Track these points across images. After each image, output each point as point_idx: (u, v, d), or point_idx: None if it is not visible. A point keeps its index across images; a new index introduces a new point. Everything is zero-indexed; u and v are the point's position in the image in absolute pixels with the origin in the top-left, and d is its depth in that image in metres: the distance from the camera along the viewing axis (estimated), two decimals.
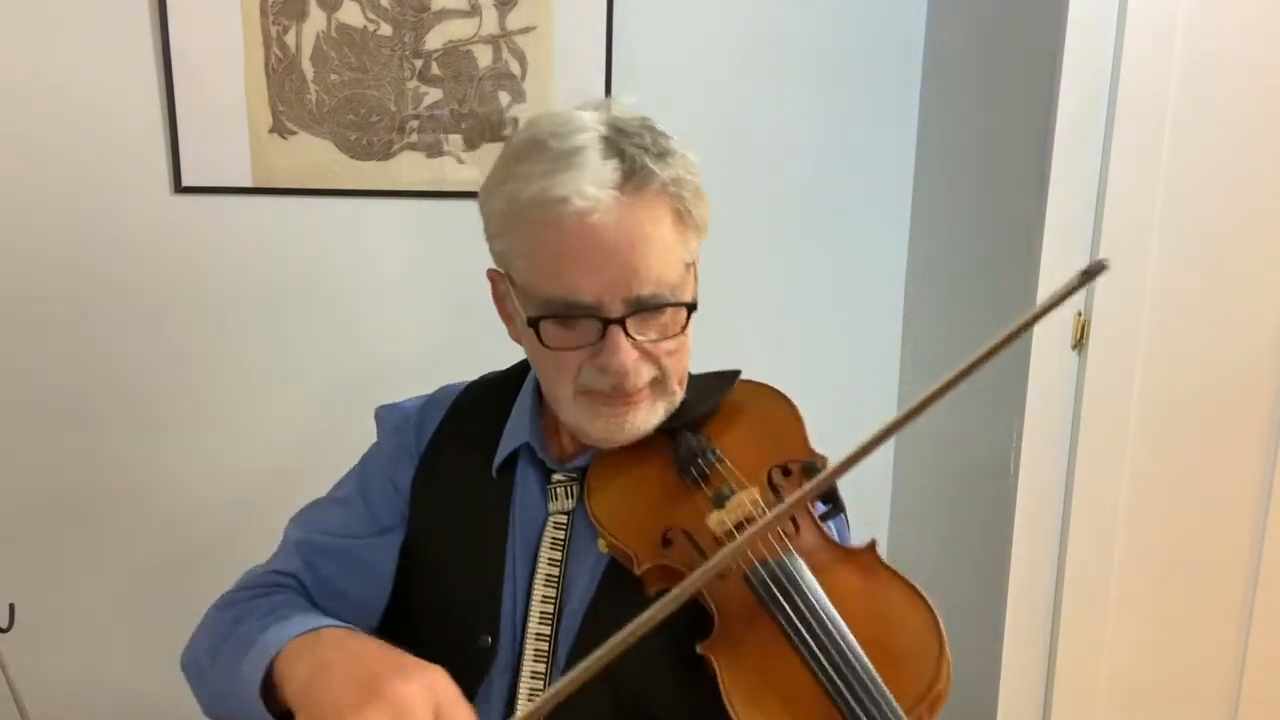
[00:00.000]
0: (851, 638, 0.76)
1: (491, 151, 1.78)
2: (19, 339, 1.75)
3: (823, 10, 1.86)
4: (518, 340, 0.94)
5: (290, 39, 1.70)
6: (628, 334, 0.84)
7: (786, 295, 1.98)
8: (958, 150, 1.86)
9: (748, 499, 0.84)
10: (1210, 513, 1.68)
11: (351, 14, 1.71)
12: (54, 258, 1.73)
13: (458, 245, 1.81)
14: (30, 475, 1.80)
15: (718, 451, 0.90)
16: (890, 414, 2.23)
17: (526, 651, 0.90)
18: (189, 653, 0.97)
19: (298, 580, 0.99)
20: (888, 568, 0.82)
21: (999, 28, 1.72)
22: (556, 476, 0.95)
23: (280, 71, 1.71)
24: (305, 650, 0.79)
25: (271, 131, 1.73)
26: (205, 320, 1.79)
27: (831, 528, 0.90)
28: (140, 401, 1.81)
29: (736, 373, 0.98)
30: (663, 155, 0.85)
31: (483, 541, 0.95)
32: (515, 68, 1.77)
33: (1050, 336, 1.60)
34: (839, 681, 0.73)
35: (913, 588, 0.79)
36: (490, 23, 1.74)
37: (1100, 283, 1.57)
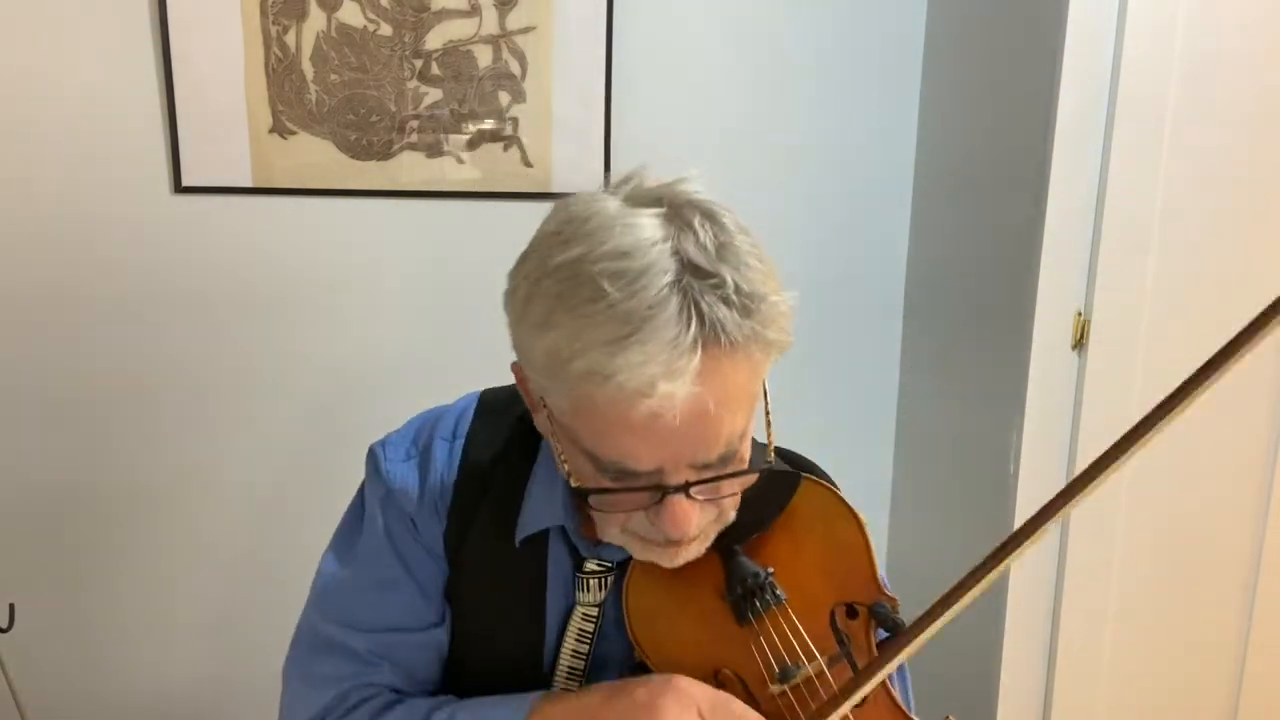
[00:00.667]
0: None
1: (492, 151, 1.78)
2: (19, 339, 1.75)
3: (823, 10, 1.86)
4: (543, 432, 0.81)
5: (290, 39, 1.70)
6: (692, 498, 0.72)
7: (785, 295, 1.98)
8: (958, 150, 1.86)
9: (813, 671, 0.77)
10: (1210, 513, 1.68)
11: (351, 14, 1.71)
12: (54, 258, 1.73)
13: (458, 245, 1.82)
14: (30, 475, 1.80)
15: (779, 591, 0.80)
16: (890, 414, 2.22)
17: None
18: None
19: (390, 689, 0.87)
20: None
21: (999, 28, 1.72)
22: (589, 566, 0.84)
23: (280, 71, 1.71)
24: None
25: (271, 131, 1.73)
26: (205, 320, 1.79)
27: (896, 684, 0.83)
28: (140, 401, 1.81)
29: (798, 477, 0.87)
30: (749, 310, 0.69)
31: (522, 619, 0.86)
32: (515, 68, 1.77)
33: (1050, 336, 1.60)
34: None
35: None
36: (490, 23, 1.74)
37: (1100, 283, 1.57)
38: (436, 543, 0.88)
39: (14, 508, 1.80)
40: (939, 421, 1.95)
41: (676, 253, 0.68)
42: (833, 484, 0.92)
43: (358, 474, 1.06)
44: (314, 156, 1.75)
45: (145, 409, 1.81)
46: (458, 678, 0.90)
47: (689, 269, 0.68)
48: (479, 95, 1.77)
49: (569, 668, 0.84)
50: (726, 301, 0.68)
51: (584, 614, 0.84)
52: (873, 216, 1.97)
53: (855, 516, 0.84)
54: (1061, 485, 1.69)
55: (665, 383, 0.65)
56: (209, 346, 1.81)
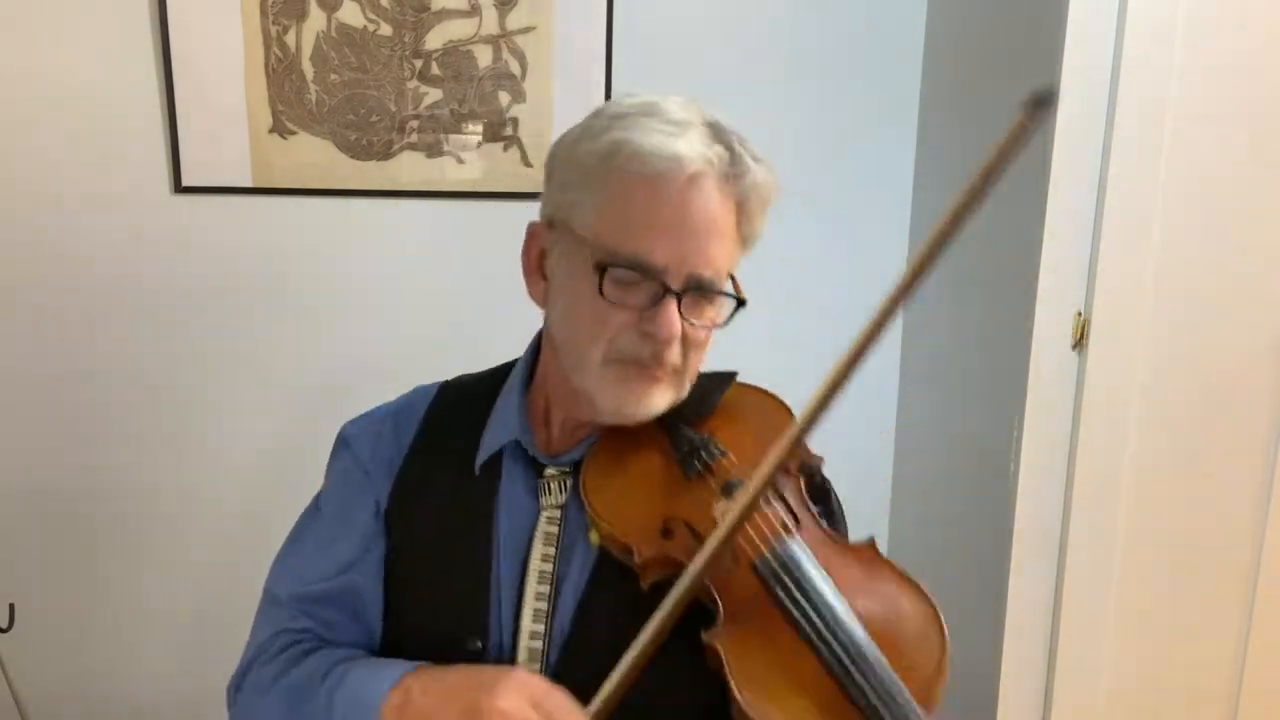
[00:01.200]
0: (859, 624, 0.77)
1: (492, 151, 1.79)
2: (19, 338, 1.75)
3: (823, 10, 1.86)
4: (539, 300, 0.94)
5: (290, 39, 1.70)
6: (680, 309, 0.86)
7: (786, 295, 1.98)
8: (958, 150, 1.86)
9: (745, 477, 0.85)
10: (1210, 513, 1.68)
11: (351, 14, 1.71)
12: (54, 257, 1.73)
13: (458, 245, 1.82)
14: (30, 475, 1.80)
15: (721, 446, 0.91)
16: (890, 414, 2.22)
17: (520, 650, 0.90)
18: None
19: (313, 635, 0.96)
20: (888, 562, 0.84)
21: (999, 28, 1.72)
22: (549, 471, 0.94)
23: (280, 71, 1.71)
24: (402, 713, 0.82)
25: (271, 131, 1.73)
26: (205, 320, 1.79)
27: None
28: (140, 401, 1.81)
29: (733, 375, 0.99)
30: (759, 159, 0.90)
31: (467, 545, 0.94)
32: (515, 68, 1.77)
33: (1050, 336, 1.60)
34: (850, 666, 0.74)
35: (913, 582, 0.82)
36: (490, 23, 1.74)
37: (1100, 283, 1.57)
38: (384, 492, 0.97)
39: (14, 508, 1.80)
40: (939, 421, 1.95)
41: (700, 112, 0.90)
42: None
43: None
44: (314, 156, 1.75)
45: (145, 408, 1.81)
46: (400, 620, 0.97)
47: (709, 124, 0.89)
48: (479, 95, 1.77)
49: (539, 571, 0.91)
50: (743, 145, 0.89)
51: (548, 518, 0.92)
52: (873, 217, 1.97)
53: (784, 405, 0.96)
54: (1062, 485, 1.70)
55: (705, 150, 0.84)
56: (209, 346, 1.81)
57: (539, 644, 0.90)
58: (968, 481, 1.84)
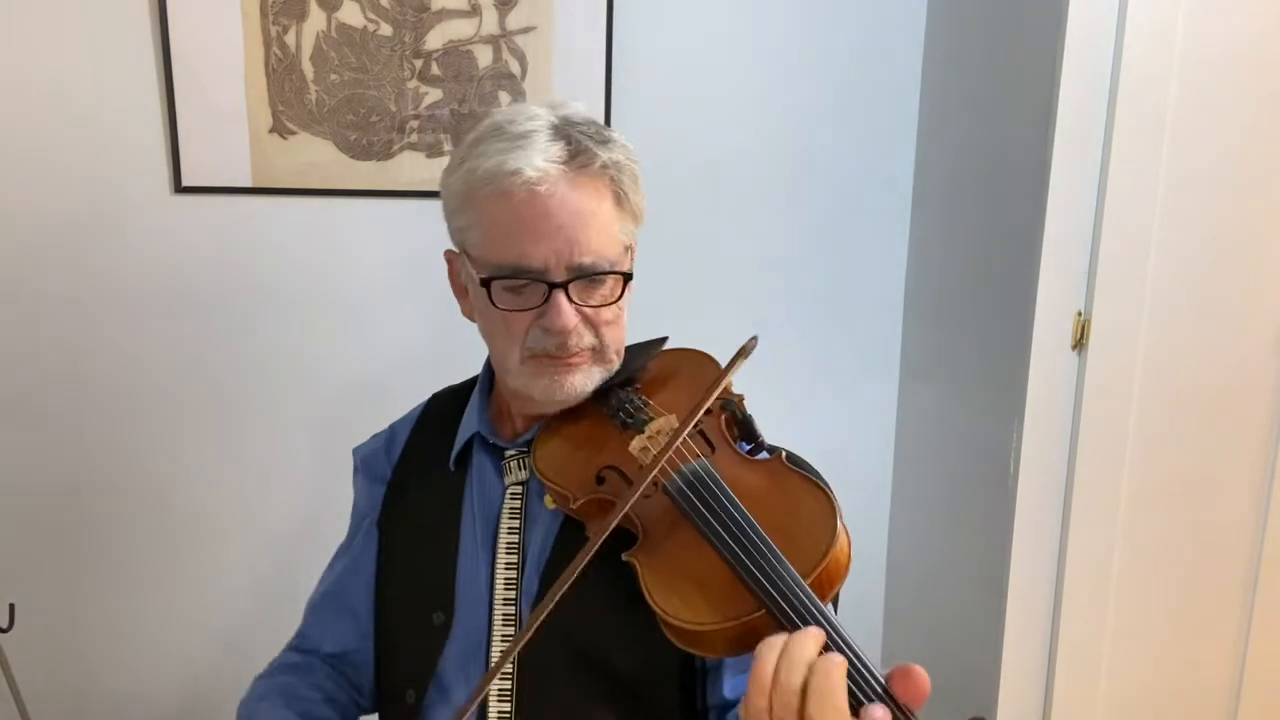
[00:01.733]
0: (752, 520, 0.83)
1: None
2: (19, 338, 1.75)
3: (823, 11, 1.86)
4: (469, 317, 1.04)
5: (290, 39, 1.70)
6: (570, 298, 0.93)
7: (786, 295, 1.98)
8: (958, 151, 1.86)
9: (665, 425, 0.94)
10: (1210, 513, 1.68)
11: (351, 14, 1.71)
12: (54, 257, 1.73)
13: None
14: (30, 475, 1.80)
15: (645, 397, 1.00)
16: (890, 414, 2.23)
17: (496, 616, 0.98)
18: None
19: (302, 651, 1.12)
20: (793, 470, 0.89)
21: (999, 28, 1.72)
22: (509, 453, 1.03)
23: (280, 71, 1.71)
24: None
25: (271, 131, 1.73)
26: (205, 320, 1.80)
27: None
28: (140, 401, 1.81)
29: (664, 339, 1.07)
30: (604, 141, 0.95)
31: (438, 528, 1.03)
32: (515, 68, 1.77)
33: (1050, 336, 1.60)
34: (744, 559, 0.79)
35: (811, 479, 0.87)
36: (490, 23, 1.74)
37: (1100, 283, 1.57)
38: (376, 499, 1.10)
39: (14, 508, 1.80)
40: (939, 421, 1.95)
41: (555, 114, 0.96)
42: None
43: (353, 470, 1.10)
44: (314, 156, 1.75)
45: (145, 408, 1.81)
46: (384, 603, 1.08)
47: (562, 119, 0.96)
48: (479, 95, 1.77)
49: (507, 543, 1.00)
50: (588, 135, 0.95)
51: (511, 493, 1.01)
52: (873, 216, 1.97)
53: (711, 357, 1.03)
54: (1062, 485, 1.70)
55: (540, 161, 0.91)
56: (209, 346, 1.81)
57: (512, 608, 0.98)
58: (968, 481, 1.84)
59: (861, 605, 2.12)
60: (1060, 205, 1.55)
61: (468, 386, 1.13)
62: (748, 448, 0.96)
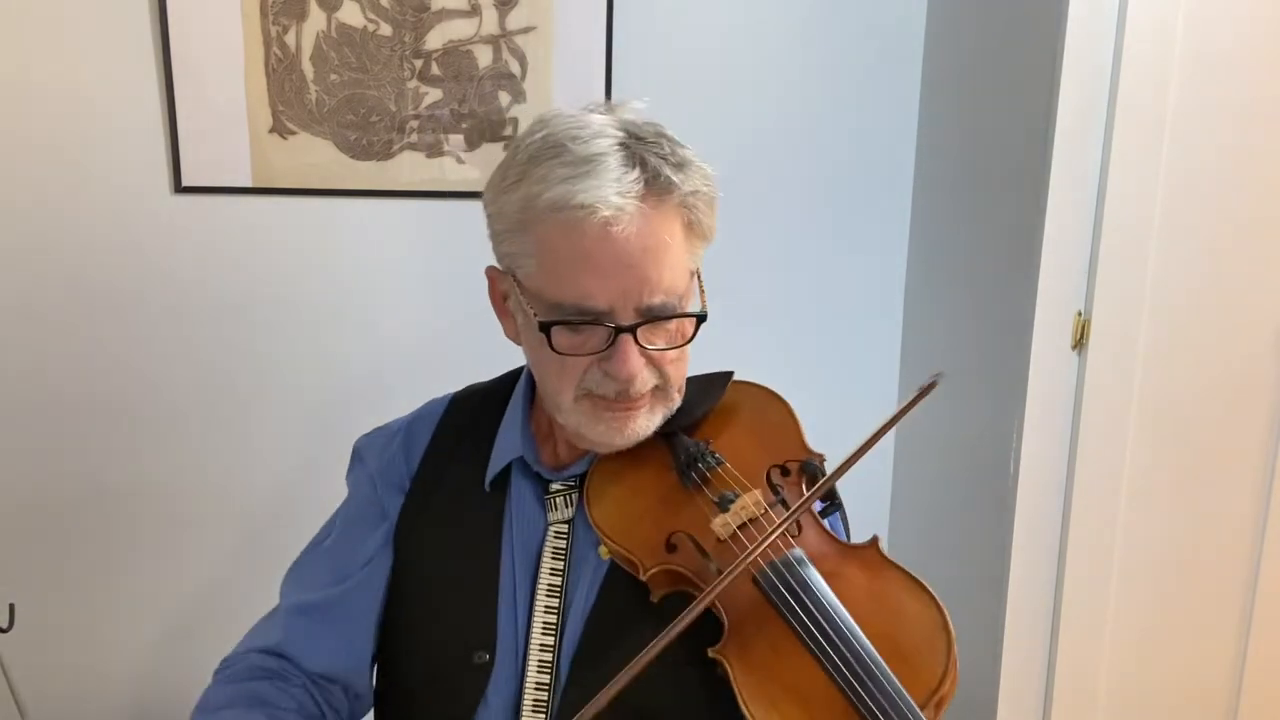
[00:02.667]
0: (861, 634, 0.76)
1: (492, 151, 1.78)
2: (19, 339, 1.75)
3: (823, 10, 1.86)
4: (513, 339, 0.94)
5: (290, 39, 1.70)
6: (637, 342, 0.84)
7: (786, 295, 1.98)
8: (958, 150, 1.86)
9: (751, 501, 0.85)
10: (1210, 513, 1.68)
11: (351, 14, 1.71)
12: (54, 258, 1.73)
13: (458, 245, 1.81)
14: (30, 475, 1.80)
15: (717, 454, 0.90)
16: (890, 414, 2.22)
17: (530, 662, 0.90)
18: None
19: (283, 657, 0.99)
20: (892, 563, 0.82)
21: (999, 27, 1.72)
22: (554, 486, 0.94)
23: (280, 71, 1.71)
24: None
25: (271, 131, 1.73)
26: (205, 320, 1.79)
27: (829, 525, 0.91)
28: (140, 401, 1.81)
29: (730, 374, 0.98)
30: (681, 166, 0.85)
31: (476, 559, 0.94)
32: (515, 68, 1.77)
33: (1050, 336, 1.60)
34: (852, 678, 0.73)
35: (919, 583, 0.80)
36: (490, 23, 1.74)
37: (1100, 283, 1.57)
38: (394, 506, 0.99)
39: (14, 508, 1.80)
40: (939, 421, 1.95)
41: (622, 128, 0.86)
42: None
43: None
44: (314, 156, 1.75)
45: (145, 408, 1.81)
46: (406, 633, 0.98)
47: (632, 136, 0.85)
48: (479, 95, 1.77)
49: (548, 586, 0.92)
50: (662, 158, 0.84)
51: (555, 532, 0.93)
52: (873, 216, 1.97)
53: (783, 401, 0.96)
54: (1062, 485, 1.70)
55: (616, 197, 0.80)
56: (209, 346, 1.81)
57: (549, 655, 0.90)
58: (968, 481, 1.84)
59: None
60: (1060, 205, 1.55)
61: (498, 391, 1.02)
62: (823, 506, 0.90)
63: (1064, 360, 1.61)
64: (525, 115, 1.78)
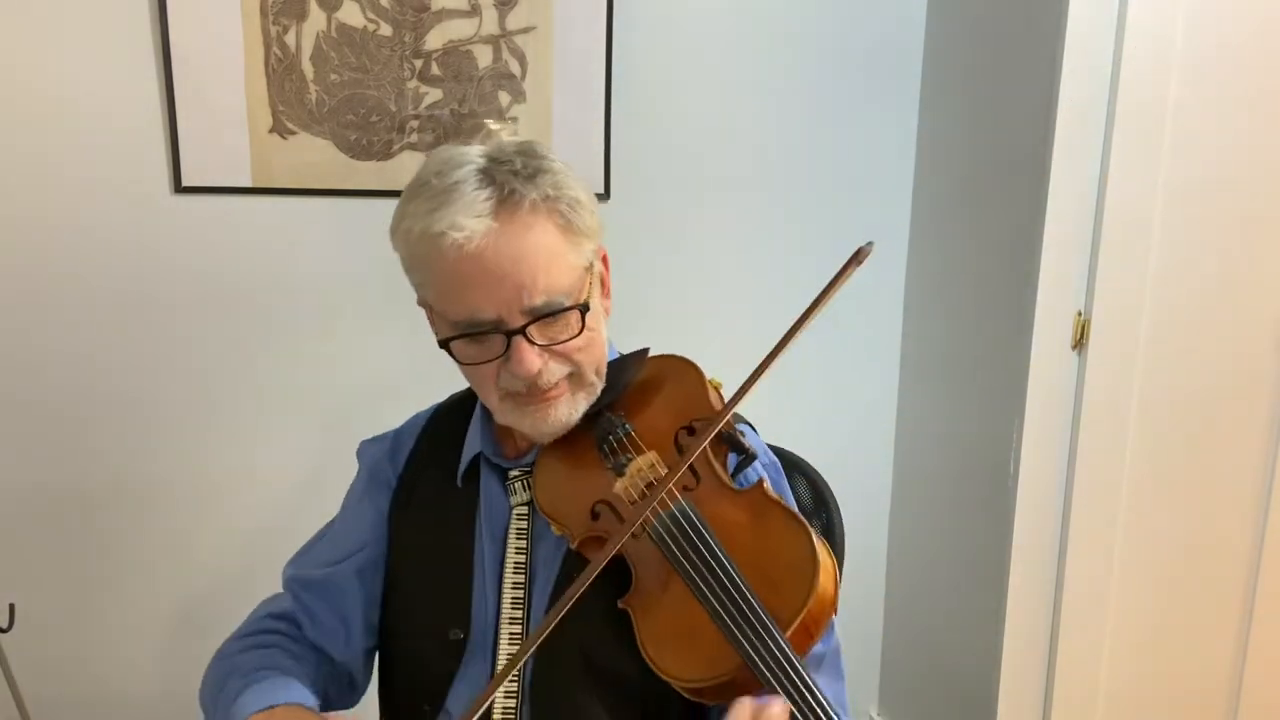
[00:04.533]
0: (735, 570, 0.83)
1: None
2: (18, 338, 1.75)
3: (823, 11, 1.86)
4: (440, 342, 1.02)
5: (290, 39, 1.70)
6: (530, 340, 0.91)
7: (786, 295, 1.98)
8: (958, 150, 1.86)
9: (644, 463, 0.94)
10: (1210, 513, 1.68)
11: (351, 14, 1.71)
12: (54, 257, 1.73)
13: None
14: (30, 475, 1.80)
15: (628, 425, 0.98)
16: (890, 414, 2.22)
17: (501, 636, 0.98)
18: (200, 693, 1.06)
19: (291, 620, 1.07)
20: (775, 502, 0.89)
21: (999, 28, 1.72)
22: (512, 473, 1.03)
23: (280, 71, 1.71)
24: None
25: (271, 131, 1.73)
26: (205, 320, 1.79)
27: (759, 476, 0.96)
28: (140, 401, 1.81)
29: (645, 350, 1.05)
30: (532, 175, 0.91)
31: (452, 545, 1.03)
32: (515, 68, 1.77)
33: (1050, 336, 1.60)
34: (724, 613, 0.81)
35: (794, 516, 0.86)
36: (490, 23, 1.74)
37: (1100, 283, 1.57)
38: (384, 506, 1.08)
39: (14, 508, 1.80)
40: (939, 421, 1.95)
41: (484, 155, 0.93)
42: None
43: (355, 470, 1.09)
44: (314, 156, 1.75)
45: (145, 408, 1.81)
46: (397, 616, 1.07)
47: (489, 160, 0.92)
48: (479, 95, 1.77)
49: (514, 564, 1.00)
50: (515, 173, 0.90)
51: (518, 514, 1.01)
52: (873, 217, 1.97)
53: (693, 365, 1.01)
54: (1062, 485, 1.71)
55: (465, 219, 0.88)
56: (209, 346, 1.81)
57: (518, 628, 0.98)
58: (968, 482, 1.84)
59: (862, 605, 2.12)
60: (1060, 205, 1.55)
61: (470, 397, 1.11)
62: (738, 459, 0.96)
63: (1064, 360, 1.61)
64: (525, 115, 1.78)
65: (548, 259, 0.90)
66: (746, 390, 0.87)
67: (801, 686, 0.76)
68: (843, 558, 1.15)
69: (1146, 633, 1.71)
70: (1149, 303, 1.58)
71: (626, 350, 1.06)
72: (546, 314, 0.91)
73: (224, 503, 1.87)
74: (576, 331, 0.94)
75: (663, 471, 0.93)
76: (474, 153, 0.93)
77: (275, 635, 1.06)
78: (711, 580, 0.83)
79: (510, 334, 0.91)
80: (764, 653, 0.77)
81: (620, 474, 0.94)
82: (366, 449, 1.14)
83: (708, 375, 1.00)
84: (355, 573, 1.07)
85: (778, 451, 1.12)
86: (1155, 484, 1.65)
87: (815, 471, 1.18)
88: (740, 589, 0.81)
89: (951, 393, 1.89)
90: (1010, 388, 1.66)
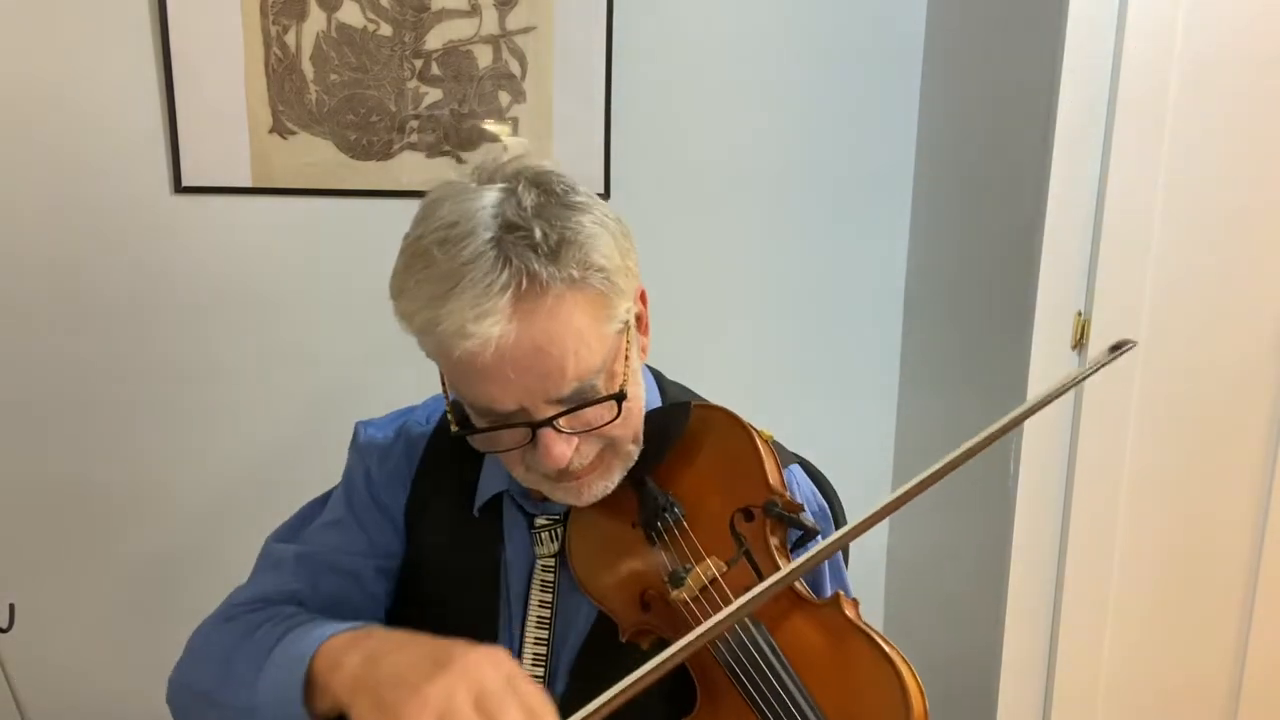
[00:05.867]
0: (815, 708, 0.74)
1: (492, 151, 1.79)
2: (18, 338, 1.75)
3: (823, 10, 1.86)
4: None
5: (290, 39, 1.70)
6: (559, 430, 0.80)
7: (786, 295, 1.98)
8: (958, 150, 1.86)
9: (703, 572, 0.82)
10: (1210, 512, 1.68)
11: (351, 14, 1.71)
12: (54, 257, 1.73)
13: None
14: (30, 474, 1.80)
15: (679, 508, 0.86)
16: (890, 414, 2.22)
17: None
18: (180, 679, 0.94)
19: (297, 601, 0.94)
20: (856, 626, 0.79)
21: (999, 28, 1.72)
22: (539, 521, 0.93)
23: (280, 71, 1.71)
24: (353, 645, 0.75)
25: (271, 131, 1.73)
26: (205, 320, 1.79)
27: (828, 583, 0.90)
28: (140, 401, 1.81)
29: (688, 405, 0.92)
30: (556, 250, 0.76)
31: (477, 586, 0.93)
32: (515, 68, 1.77)
33: (1050, 336, 1.60)
34: None
35: (881, 651, 0.76)
36: (490, 23, 1.74)
37: (1100, 283, 1.57)
38: (397, 506, 0.97)
39: (14, 507, 1.80)
40: (939, 421, 1.95)
41: (497, 216, 0.77)
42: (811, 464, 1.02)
43: None
44: (314, 156, 1.75)
45: (145, 408, 1.81)
46: (416, 624, 0.94)
47: (504, 227, 0.77)
48: (479, 95, 1.77)
49: (537, 618, 0.91)
50: (534, 249, 0.76)
51: (543, 565, 0.91)
52: (873, 216, 1.97)
53: (743, 427, 0.88)
54: (1062, 485, 1.70)
55: (475, 325, 0.74)
56: (209, 346, 1.81)
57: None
58: (968, 482, 1.84)
59: (862, 605, 2.12)
60: (1060, 205, 1.55)
61: None
62: (795, 536, 0.86)
63: (1064, 360, 1.61)
64: (525, 115, 1.78)
65: (576, 343, 0.77)
66: (847, 539, 0.75)
67: None
68: (845, 558, 1.15)
69: (1147, 632, 1.71)
70: (1149, 303, 1.58)
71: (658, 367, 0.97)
72: (577, 406, 0.79)
73: (224, 502, 1.87)
74: (610, 419, 0.82)
75: (722, 574, 0.82)
76: (485, 214, 0.78)
77: (288, 607, 0.93)
78: (785, 716, 0.73)
79: (535, 425, 0.79)
80: None
81: (678, 585, 0.82)
82: (370, 441, 1.02)
83: (757, 428, 0.89)
84: (376, 572, 0.97)
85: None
86: (1155, 484, 1.65)
87: (816, 471, 1.18)
88: None
89: (951, 393, 1.89)
90: (1010, 388, 1.66)
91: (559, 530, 0.91)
